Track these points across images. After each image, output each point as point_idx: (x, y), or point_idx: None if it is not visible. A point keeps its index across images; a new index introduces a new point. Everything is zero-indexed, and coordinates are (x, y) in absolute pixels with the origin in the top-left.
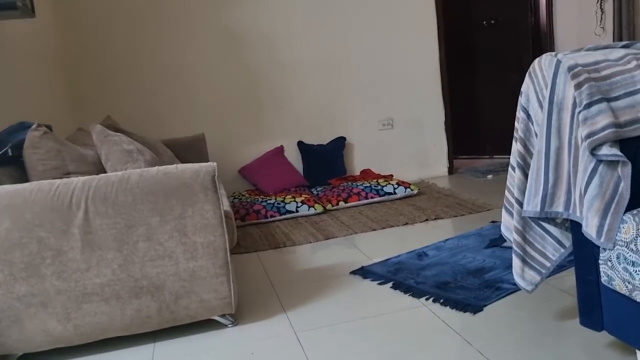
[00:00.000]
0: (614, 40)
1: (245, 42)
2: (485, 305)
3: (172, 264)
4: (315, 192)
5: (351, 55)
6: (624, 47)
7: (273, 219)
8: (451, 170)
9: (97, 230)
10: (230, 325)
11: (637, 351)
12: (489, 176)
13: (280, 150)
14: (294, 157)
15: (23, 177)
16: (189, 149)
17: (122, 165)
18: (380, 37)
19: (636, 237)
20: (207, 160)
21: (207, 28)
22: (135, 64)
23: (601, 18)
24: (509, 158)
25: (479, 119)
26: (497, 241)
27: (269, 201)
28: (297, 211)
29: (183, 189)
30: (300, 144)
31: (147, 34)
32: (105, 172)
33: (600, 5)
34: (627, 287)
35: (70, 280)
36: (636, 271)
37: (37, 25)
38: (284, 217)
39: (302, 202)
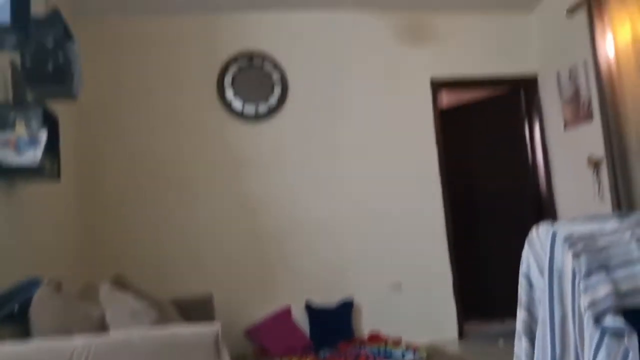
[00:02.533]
0: (612, 208)
1: (256, 203)
2: None
3: None
4: (321, 356)
5: (359, 217)
6: (618, 218)
7: None
8: (461, 334)
9: None
10: None
11: None
12: (500, 341)
13: (287, 310)
14: (300, 318)
15: (26, 335)
16: (196, 309)
17: (126, 326)
18: (389, 200)
19: None
20: (213, 321)
21: (220, 191)
22: (149, 222)
23: (598, 188)
24: None
25: (487, 282)
26: None
27: None
28: None
29: (186, 351)
30: (308, 305)
31: (160, 196)
32: (109, 331)
33: (597, 176)
34: None
35: None
36: None
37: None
38: None
39: None
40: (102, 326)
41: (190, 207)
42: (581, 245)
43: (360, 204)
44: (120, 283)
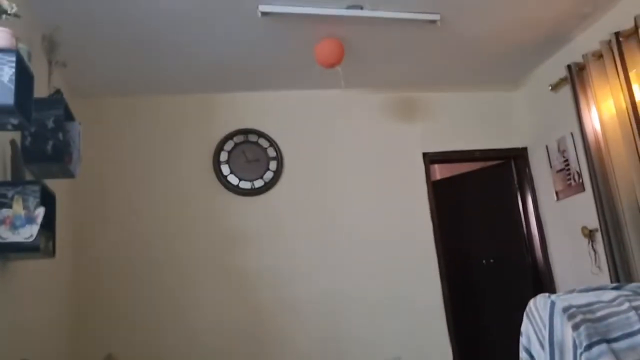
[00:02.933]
0: (610, 277)
1: (252, 281)
2: None
3: None
4: None
5: (355, 293)
6: (614, 288)
7: None
8: None
9: None
10: None
11: None
12: None
13: None
14: None
15: None
16: None
17: None
18: (384, 276)
19: None
20: None
21: (215, 267)
22: (142, 300)
23: (595, 258)
24: None
25: (487, 354)
26: None
27: None
28: None
29: None
30: None
31: (155, 274)
32: None
33: (592, 246)
34: None
35: None
36: None
37: (51, 263)
38: None
39: None
40: None
41: (186, 286)
42: (580, 317)
43: (356, 279)
44: None
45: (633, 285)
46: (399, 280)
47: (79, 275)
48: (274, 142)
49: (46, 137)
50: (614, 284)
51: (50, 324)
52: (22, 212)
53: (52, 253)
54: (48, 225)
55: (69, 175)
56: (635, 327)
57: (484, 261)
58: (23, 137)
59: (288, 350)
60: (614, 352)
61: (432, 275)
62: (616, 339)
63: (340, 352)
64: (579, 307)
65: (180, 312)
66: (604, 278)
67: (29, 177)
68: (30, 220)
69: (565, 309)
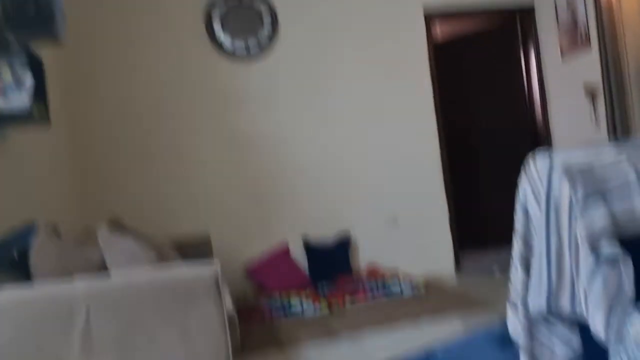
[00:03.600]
0: (608, 135)
1: (250, 141)
2: None
3: None
4: (320, 291)
5: (354, 153)
6: (615, 145)
7: (278, 319)
8: (457, 266)
9: (97, 335)
10: None
11: None
12: (496, 272)
13: (285, 247)
14: (298, 255)
15: (28, 280)
16: (194, 249)
17: (125, 267)
18: (384, 135)
19: None
20: (212, 260)
21: (213, 127)
22: (143, 164)
23: (595, 115)
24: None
25: (483, 213)
26: (506, 340)
27: (273, 301)
28: (302, 311)
29: (186, 292)
30: (305, 240)
31: (155, 133)
32: (109, 274)
33: (593, 103)
34: None
35: None
36: None
37: (49, 132)
38: (289, 317)
39: (308, 302)
40: (102, 269)
41: (185, 147)
42: (579, 174)
43: (356, 140)
44: (117, 225)
45: (634, 141)
46: (397, 143)
47: (77, 144)
48: (270, 2)
49: (27, 0)
50: (615, 141)
51: (53, 190)
52: (11, 79)
53: (47, 120)
54: (39, 92)
55: (54, 37)
56: (632, 184)
57: (484, 121)
58: (3, 2)
59: (288, 210)
60: (609, 208)
61: (431, 136)
62: (612, 196)
63: (339, 212)
64: (578, 164)
65: (179, 175)
66: (602, 136)
67: (13, 44)
68: (19, 86)
69: (564, 167)
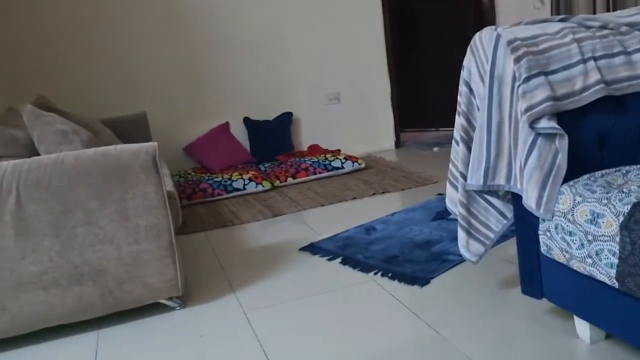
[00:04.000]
0: (552, 14)
1: (186, 16)
2: (432, 278)
3: (113, 249)
4: (262, 169)
5: (295, 31)
6: (560, 20)
7: (220, 197)
8: (398, 144)
9: (31, 217)
10: (178, 308)
11: (574, 317)
12: (435, 149)
13: (225, 126)
14: (240, 134)
15: None
16: (130, 128)
17: (56, 147)
18: (324, 11)
19: (573, 207)
20: (150, 140)
21: (147, 1)
22: (69, 39)
23: None
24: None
25: (424, 92)
26: (443, 213)
27: (215, 179)
28: (244, 189)
29: (122, 171)
30: (247, 120)
31: (83, 8)
32: (38, 155)
33: None
34: (564, 256)
35: (4, 270)
36: (573, 240)
37: None
38: (231, 195)
39: (250, 179)
40: (29, 150)
41: (116, 21)
42: (523, 49)
43: (296, 15)
44: (44, 106)
45: (579, 17)
46: (339, 18)
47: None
48: None
49: None
50: (561, 16)
51: None
52: None
53: None
54: None
55: None
56: (574, 60)
57: (428, 1)
58: None
59: (227, 91)
60: (550, 84)
61: (374, 12)
62: (554, 71)
63: (281, 92)
64: (523, 39)
65: (111, 52)
66: (546, 13)
67: None
68: None
69: (509, 42)
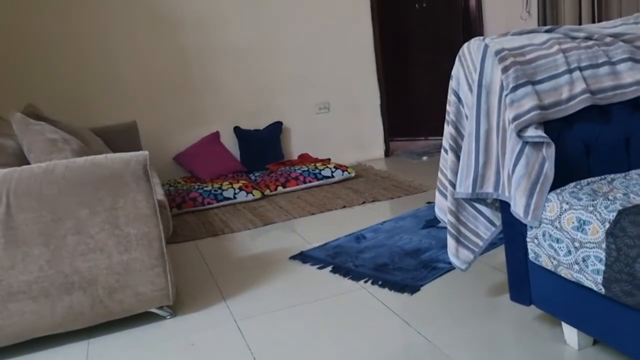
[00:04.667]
0: (538, 24)
1: (176, 25)
2: (422, 285)
3: (104, 258)
4: (253, 178)
5: (286, 39)
6: (547, 31)
7: (210, 206)
8: (387, 153)
9: (21, 225)
10: (168, 317)
11: (562, 323)
12: (424, 158)
13: (216, 136)
14: (230, 143)
15: None
16: (120, 137)
17: (46, 156)
18: (315, 20)
19: (560, 215)
20: (140, 149)
21: (138, 10)
22: (61, 48)
23: (527, 2)
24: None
25: (413, 101)
26: (433, 222)
27: (205, 188)
28: (234, 198)
29: (113, 180)
30: (237, 129)
31: (70, 15)
32: (28, 163)
33: None
34: (552, 262)
35: None
36: (560, 247)
37: None
38: (221, 204)
39: (240, 188)
40: (18, 159)
41: (106, 30)
42: (510, 59)
43: (286, 25)
44: (34, 114)
45: (565, 27)
46: (330, 27)
47: None
48: None
49: None
50: (547, 27)
51: None
52: None
53: None
54: None
55: None
56: (561, 69)
57: (416, 5)
58: None
59: (218, 100)
60: (537, 93)
61: (364, 22)
62: (541, 81)
63: (271, 101)
64: (510, 50)
65: (101, 60)
66: (533, 23)
67: None
68: None
69: (497, 52)
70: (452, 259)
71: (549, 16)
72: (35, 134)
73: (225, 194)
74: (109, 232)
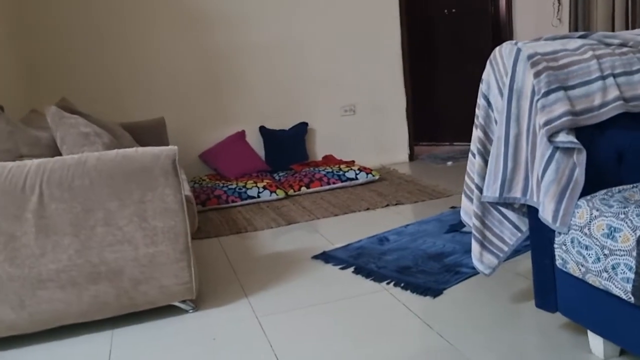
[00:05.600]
0: (569, 31)
1: (205, 25)
2: (445, 289)
3: (131, 249)
4: (277, 178)
5: (314, 41)
6: (580, 37)
7: (234, 204)
8: (412, 157)
9: (52, 215)
10: (191, 311)
11: (588, 332)
12: (449, 163)
13: (241, 135)
14: (255, 142)
15: None
16: (148, 133)
17: (78, 148)
18: (344, 22)
19: (590, 221)
20: (167, 145)
21: (167, 9)
22: (93, 45)
23: (558, 9)
24: (469, 145)
25: (439, 106)
26: (457, 226)
27: (230, 186)
28: (258, 196)
29: (143, 173)
30: (262, 128)
31: (105, 14)
32: (60, 155)
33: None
34: (580, 270)
35: (24, 267)
36: (589, 254)
37: None
38: (245, 202)
39: (264, 188)
40: (51, 150)
41: (136, 30)
42: (543, 64)
43: (315, 26)
44: (67, 108)
45: (599, 34)
46: (357, 26)
47: (20, 16)
48: None
49: None
50: (581, 33)
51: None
52: None
53: None
54: None
55: None
56: (594, 76)
57: (445, 11)
58: None
59: (244, 99)
60: (569, 99)
61: (392, 26)
62: (573, 87)
63: (297, 102)
64: (543, 54)
65: (133, 53)
66: (564, 30)
67: None
68: None
69: (530, 56)
70: (476, 263)
71: (580, 23)
72: (69, 127)
73: (249, 192)
74: (137, 225)
